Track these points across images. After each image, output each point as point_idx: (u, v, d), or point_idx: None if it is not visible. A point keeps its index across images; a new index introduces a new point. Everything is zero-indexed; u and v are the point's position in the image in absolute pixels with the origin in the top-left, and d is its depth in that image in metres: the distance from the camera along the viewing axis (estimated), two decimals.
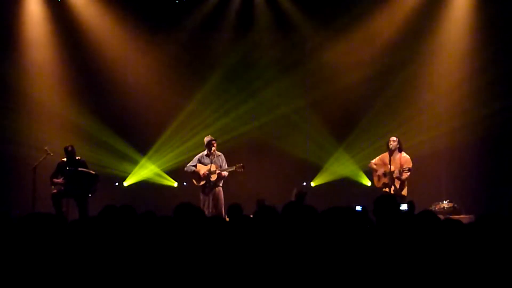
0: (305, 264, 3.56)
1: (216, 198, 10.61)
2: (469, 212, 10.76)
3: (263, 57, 12.94)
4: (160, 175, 12.94)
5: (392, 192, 10.10)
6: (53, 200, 10.16)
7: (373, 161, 10.67)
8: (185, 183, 12.41)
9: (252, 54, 12.91)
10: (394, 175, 10.17)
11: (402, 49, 12.31)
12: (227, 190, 10.92)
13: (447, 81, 12.27)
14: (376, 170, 10.57)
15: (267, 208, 4.38)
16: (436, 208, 11.13)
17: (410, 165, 10.18)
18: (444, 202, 11.29)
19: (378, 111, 12.49)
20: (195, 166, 10.83)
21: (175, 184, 12.90)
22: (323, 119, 12.76)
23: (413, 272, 3.55)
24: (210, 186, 10.64)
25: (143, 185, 12.92)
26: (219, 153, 10.86)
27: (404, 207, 7.67)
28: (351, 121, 12.65)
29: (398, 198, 9.59)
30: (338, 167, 12.68)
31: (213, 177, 10.62)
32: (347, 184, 12.47)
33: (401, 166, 10.19)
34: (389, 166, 10.21)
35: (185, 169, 11.03)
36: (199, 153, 11.00)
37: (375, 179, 10.62)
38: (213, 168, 10.64)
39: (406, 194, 10.17)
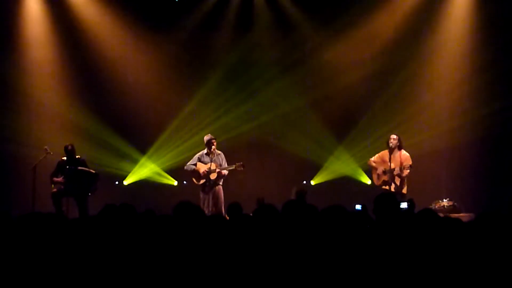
0: (304, 262, 3.57)
1: (216, 197, 10.62)
2: (469, 210, 10.77)
3: (263, 57, 12.94)
4: (160, 174, 12.94)
5: (392, 190, 10.10)
6: (53, 199, 10.16)
7: (372, 159, 10.67)
8: (185, 182, 12.41)
9: (252, 54, 12.90)
10: (395, 173, 10.17)
11: (402, 48, 12.31)
12: (227, 189, 10.93)
13: (447, 81, 12.28)
14: (375, 168, 10.57)
15: (266, 207, 4.38)
16: (436, 207, 11.14)
17: (410, 163, 10.19)
18: (444, 200, 11.30)
19: (378, 110, 12.50)
20: (195, 165, 10.84)
21: (175, 183, 12.91)
22: (323, 118, 12.76)
23: (413, 270, 3.55)
24: (210, 185, 10.65)
25: (143, 184, 12.92)
26: (219, 152, 10.86)
27: (404, 205, 7.66)
28: (351, 120, 12.66)
29: (398, 196, 9.62)
30: (338, 166, 12.69)
31: (213, 176, 10.62)
32: (347, 183, 12.48)
33: (401, 163, 10.19)
34: (389, 164, 10.21)
35: (185, 168, 11.03)
36: (199, 152, 11.00)
37: (375, 177, 10.63)
38: (213, 167, 10.65)
39: (405, 192, 10.18)
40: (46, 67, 12.84)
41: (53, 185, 10.30)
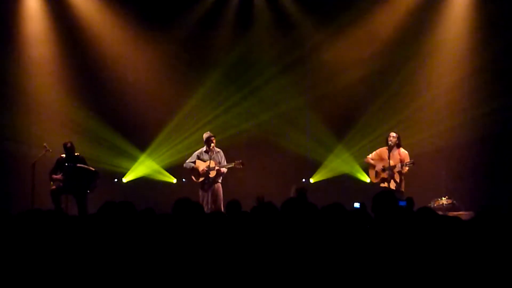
0: (303, 260, 3.57)
1: (215, 195, 10.62)
2: (468, 208, 10.78)
3: (262, 55, 12.94)
4: (159, 172, 12.94)
5: (391, 187, 10.09)
6: (52, 197, 10.17)
7: (370, 156, 10.64)
8: (184, 180, 12.41)
9: (251, 52, 12.90)
10: (396, 170, 10.14)
11: (401, 47, 12.32)
12: (226, 187, 10.92)
13: (447, 80, 12.28)
14: (373, 166, 10.54)
15: (265, 204, 4.38)
16: (435, 205, 11.16)
17: (408, 160, 10.20)
18: (443, 198, 11.31)
19: (377, 108, 12.51)
20: (194, 162, 10.84)
21: (174, 181, 12.91)
22: (323, 117, 12.77)
23: (412, 268, 3.56)
24: (209, 183, 10.65)
25: (142, 182, 12.92)
26: (218, 150, 10.86)
27: (403, 203, 7.66)
28: (351, 118, 12.67)
29: (397, 193, 9.63)
30: (337, 164, 12.70)
31: (212, 174, 10.62)
32: (346, 181, 12.48)
33: (401, 161, 10.19)
34: (387, 161, 10.20)
35: (184, 165, 11.03)
36: (198, 149, 11.00)
37: (372, 174, 10.60)
38: (212, 164, 10.65)
39: (404, 190, 10.17)
40: (45, 65, 12.83)
41: (52, 183, 10.30)
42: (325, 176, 12.76)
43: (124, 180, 12.95)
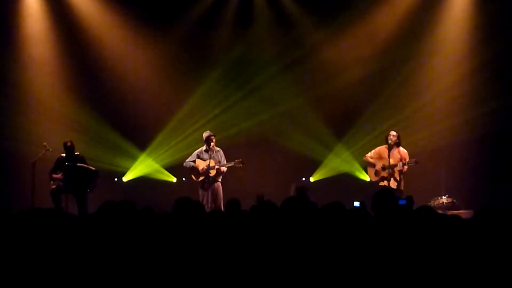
0: (303, 258, 3.57)
1: (215, 194, 10.62)
2: (468, 207, 10.79)
3: (263, 54, 12.94)
4: (159, 171, 12.94)
5: (391, 186, 10.08)
6: (52, 196, 10.17)
7: (369, 154, 10.58)
8: (184, 179, 12.42)
9: (252, 51, 12.90)
10: (397, 168, 10.12)
11: (402, 46, 12.32)
12: (226, 186, 10.92)
13: (447, 79, 12.29)
14: (372, 164, 10.49)
15: (265, 203, 4.39)
16: (435, 203, 11.16)
17: (411, 159, 10.19)
18: (443, 197, 11.32)
19: (377, 107, 12.52)
20: (194, 161, 10.83)
21: (174, 180, 12.91)
22: (323, 115, 12.78)
23: (411, 266, 3.56)
24: (209, 182, 10.65)
25: (142, 181, 12.92)
26: (218, 149, 10.86)
27: (403, 202, 7.67)
28: (351, 117, 12.67)
29: (397, 192, 9.62)
30: (337, 163, 12.70)
31: (212, 173, 10.62)
32: (346, 180, 12.48)
33: (401, 160, 10.17)
34: (387, 160, 10.18)
35: (184, 164, 11.03)
36: (198, 148, 11.00)
37: (371, 172, 10.55)
38: (212, 163, 10.64)
39: (403, 189, 10.16)
40: (45, 65, 12.83)
41: (52, 182, 10.31)
42: (325, 175, 12.77)
43: (124, 179, 12.96)
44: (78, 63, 12.82)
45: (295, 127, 12.98)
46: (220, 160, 10.78)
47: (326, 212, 4.04)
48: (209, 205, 10.43)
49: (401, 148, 10.31)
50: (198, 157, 10.84)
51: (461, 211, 10.42)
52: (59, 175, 10.26)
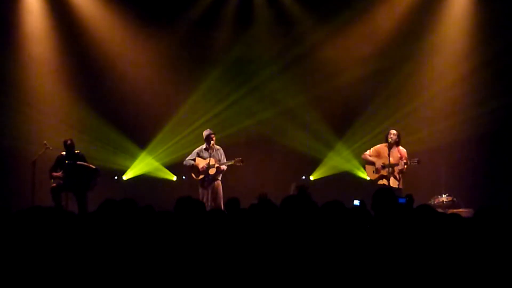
0: (302, 257, 3.57)
1: (215, 192, 10.62)
2: (468, 206, 10.79)
3: (263, 53, 12.94)
4: (159, 169, 12.95)
5: (391, 184, 10.07)
6: (52, 194, 10.17)
7: (367, 152, 10.52)
8: (184, 177, 12.42)
9: (252, 50, 12.89)
10: (399, 167, 10.09)
11: (402, 45, 12.33)
12: (226, 184, 10.92)
13: (447, 78, 12.30)
14: (372, 162, 10.42)
15: (263, 202, 4.38)
16: (435, 202, 11.16)
17: (413, 159, 10.17)
18: (443, 196, 11.31)
19: (378, 106, 12.52)
20: (194, 160, 10.84)
21: (174, 178, 12.91)
22: (323, 114, 12.78)
23: (411, 265, 3.56)
24: (209, 180, 10.65)
25: (143, 179, 12.93)
26: (218, 147, 10.86)
27: (403, 200, 7.66)
28: (351, 116, 12.68)
29: (397, 191, 9.62)
30: (337, 161, 12.70)
31: (212, 171, 10.62)
32: (346, 178, 12.48)
33: (401, 159, 10.16)
34: (388, 158, 10.16)
35: (184, 163, 11.04)
36: (198, 147, 11.00)
37: (369, 170, 10.47)
38: (212, 162, 10.65)
39: (402, 187, 10.15)
40: (45, 63, 12.83)
41: (52, 180, 10.31)
42: (325, 173, 12.77)
43: (124, 177, 12.96)
44: (78, 62, 12.82)
45: (295, 126, 12.98)
46: (220, 158, 10.78)
47: (326, 211, 4.04)
48: (209, 204, 10.44)
49: (400, 147, 10.30)
50: (198, 155, 10.84)
51: (461, 210, 10.41)
52: (59, 173, 10.26)
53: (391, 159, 10.13)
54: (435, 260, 3.58)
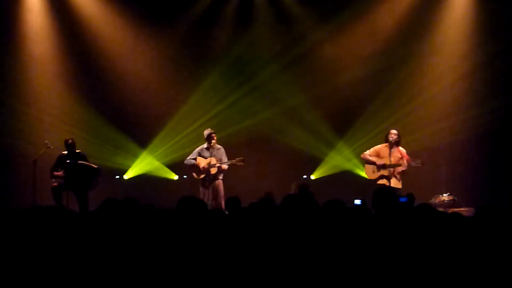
0: (303, 256, 3.58)
1: (216, 191, 10.62)
2: (469, 205, 10.79)
3: (264, 52, 12.94)
4: (160, 168, 12.95)
5: (392, 184, 10.06)
6: (53, 193, 10.18)
7: (367, 152, 10.48)
8: (185, 176, 12.43)
9: (253, 49, 12.89)
10: (402, 168, 10.07)
11: (403, 45, 12.34)
12: (227, 184, 10.92)
13: (448, 77, 12.30)
14: (372, 162, 10.36)
15: (264, 201, 4.39)
16: (436, 201, 11.15)
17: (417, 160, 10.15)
18: (444, 195, 11.31)
19: (379, 105, 12.52)
20: (195, 159, 10.84)
21: (176, 177, 12.92)
22: (324, 113, 12.77)
23: (412, 264, 3.56)
24: (210, 179, 10.66)
25: (144, 179, 12.93)
26: (219, 146, 10.87)
27: (404, 199, 7.67)
28: (352, 115, 12.68)
29: (398, 191, 9.62)
30: (338, 161, 12.70)
31: (213, 171, 10.63)
32: (347, 177, 12.48)
33: (401, 159, 10.15)
34: (388, 158, 10.15)
35: (185, 162, 11.04)
36: (199, 146, 11.00)
37: (369, 170, 10.40)
38: (213, 161, 10.65)
39: (401, 187, 10.14)
40: (45, 62, 12.83)
41: (53, 179, 10.31)
42: (326, 172, 12.77)
43: (126, 177, 12.97)
44: (79, 61, 12.82)
45: (296, 125, 12.98)
46: (221, 158, 10.78)
47: (326, 210, 4.04)
48: (210, 203, 10.44)
49: (400, 147, 10.28)
50: (199, 154, 10.84)
51: (462, 209, 10.40)
52: (60, 173, 10.27)
53: (392, 159, 10.12)
54: (436, 259, 3.58)
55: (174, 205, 4.46)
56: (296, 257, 3.57)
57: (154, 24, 12.78)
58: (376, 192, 5.04)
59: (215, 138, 10.75)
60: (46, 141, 10.75)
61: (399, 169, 10.10)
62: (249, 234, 3.90)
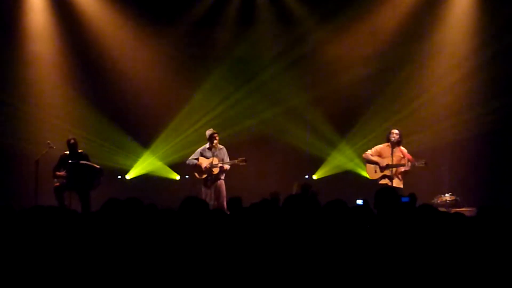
0: (303, 256, 3.58)
1: (218, 191, 10.62)
2: (471, 205, 10.78)
3: (265, 52, 12.94)
4: (163, 168, 12.96)
5: (394, 184, 10.04)
6: (55, 193, 10.19)
7: (369, 152, 10.46)
8: (187, 176, 12.43)
9: (254, 49, 12.89)
10: (406, 168, 10.05)
11: (404, 45, 12.33)
12: (228, 184, 10.92)
13: (450, 77, 12.28)
14: (374, 162, 10.33)
15: (264, 201, 4.39)
16: (439, 201, 11.14)
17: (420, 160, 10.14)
18: (447, 195, 11.29)
19: (380, 105, 12.50)
20: (197, 159, 10.84)
21: (178, 177, 12.92)
22: (326, 113, 12.77)
23: (414, 264, 3.56)
24: (212, 180, 10.66)
25: (146, 179, 12.94)
26: (221, 146, 10.86)
27: (406, 199, 7.66)
28: (354, 115, 12.67)
29: (400, 191, 9.60)
30: (340, 161, 12.70)
31: (215, 171, 10.63)
32: (349, 177, 12.47)
33: (403, 158, 10.14)
34: (391, 158, 10.13)
35: (187, 162, 11.04)
36: (201, 146, 11.00)
37: (371, 170, 10.39)
38: (215, 161, 10.65)
39: (402, 186, 10.13)
40: (48, 62, 12.83)
41: (55, 179, 10.32)
42: (328, 172, 12.77)
43: (128, 177, 12.98)
44: (81, 61, 12.82)
45: (298, 125, 12.98)
46: (223, 158, 10.78)
47: (328, 210, 4.04)
48: (212, 203, 10.44)
49: (401, 147, 10.26)
50: (201, 155, 10.84)
51: (464, 209, 10.39)
52: (62, 173, 10.28)
53: (393, 159, 10.10)
54: (438, 259, 3.58)
55: (176, 205, 4.46)
56: (298, 257, 3.57)
57: (156, 24, 12.78)
58: (378, 192, 5.04)
59: (217, 138, 10.75)
60: (48, 141, 10.76)
61: (402, 169, 10.08)
62: (251, 234, 3.90)
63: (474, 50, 12.08)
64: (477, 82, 11.95)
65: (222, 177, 10.73)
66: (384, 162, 10.22)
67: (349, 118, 12.68)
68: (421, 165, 10.05)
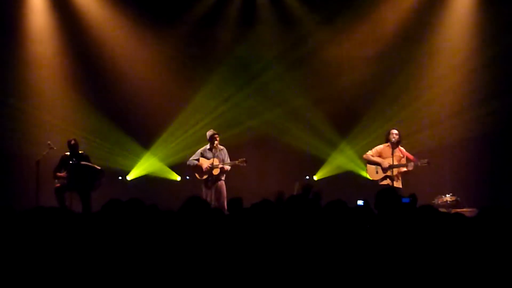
0: (304, 257, 3.58)
1: (218, 192, 10.63)
2: (472, 205, 10.77)
3: (266, 53, 12.94)
4: (163, 169, 12.96)
5: (395, 185, 10.04)
6: (56, 194, 10.20)
7: (370, 152, 10.44)
8: (188, 177, 12.43)
9: (255, 50, 12.89)
10: (409, 168, 10.04)
11: (405, 46, 12.33)
12: (229, 184, 10.92)
13: (451, 78, 12.28)
14: (375, 162, 10.31)
15: (265, 201, 4.39)
16: (439, 202, 11.12)
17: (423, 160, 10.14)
18: (447, 195, 11.28)
19: (381, 106, 12.50)
20: (198, 160, 10.85)
21: (178, 178, 12.92)
22: (327, 114, 12.77)
23: (414, 264, 3.56)
24: (213, 180, 10.67)
25: (147, 180, 12.94)
26: (222, 147, 10.87)
27: (406, 200, 7.65)
28: (355, 116, 12.67)
29: (400, 191, 9.60)
30: (341, 161, 12.70)
31: (216, 171, 10.64)
32: (350, 178, 12.47)
33: (402, 158, 10.14)
34: (392, 159, 10.12)
35: (188, 163, 11.05)
36: (202, 147, 11.01)
37: (372, 171, 10.39)
38: (216, 162, 10.66)
39: (402, 187, 10.13)
40: (48, 62, 12.84)
41: (56, 180, 10.33)
42: (329, 173, 12.77)
43: (129, 178, 12.98)
44: (82, 62, 12.83)
45: (299, 125, 12.98)
46: (224, 158, 10.79)
47: (329, 210, 4.05)
48: (213, 204, 10.44)
49: (401, 147, 10.26)
50: (202, 155, 10.85)
51: (465, 209, 10.39)
52: (63, 174, 10.29)
53: (394, 159, 10.10)
54: (439, 259, 3.58)
55: (176, 206, 4.46)
56: (298, 258, 3.57)
57: (157, 24, 12.78)
58: (379, 193, 5.05)
59: (218, 139, 10.76)
60: (49, 142, 10.77)
61: (402, 169, 10.09)
62: (252, 234, 3.90)
63: (475, 50, 12.09)
64: (478, 82, 11.95)
65: (223, 178, 10.74)
66: (386, 162, 10.21)
67: (350, 119, 12.68)
68: (424, 164, 10.04)
